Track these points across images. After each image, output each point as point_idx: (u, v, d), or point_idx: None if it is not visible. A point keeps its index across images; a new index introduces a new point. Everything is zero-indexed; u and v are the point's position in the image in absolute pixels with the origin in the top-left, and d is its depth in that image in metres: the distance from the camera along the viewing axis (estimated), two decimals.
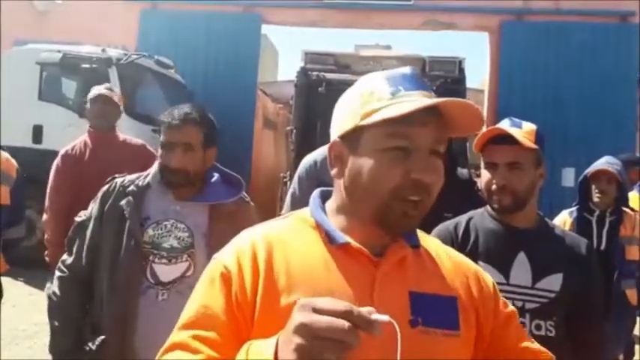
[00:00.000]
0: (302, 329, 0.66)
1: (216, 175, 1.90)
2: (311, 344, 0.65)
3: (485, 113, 9.47)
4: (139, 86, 7.04)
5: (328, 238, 0.90)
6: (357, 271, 0.88)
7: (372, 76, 0.93)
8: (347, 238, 0.89)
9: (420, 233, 0.99)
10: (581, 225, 3.09)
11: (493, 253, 1.63)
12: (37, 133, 6.59)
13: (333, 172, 0.94)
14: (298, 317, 0.67)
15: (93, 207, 1.87)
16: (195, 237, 1.79)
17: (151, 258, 1.76)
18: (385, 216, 0.87)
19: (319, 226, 0.93)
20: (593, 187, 3.08)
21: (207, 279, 0.90)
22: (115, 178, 1.88)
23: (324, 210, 0.96)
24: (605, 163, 3.10)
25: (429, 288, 0.91)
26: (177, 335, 0.86)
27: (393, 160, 0.85)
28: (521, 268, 1.59)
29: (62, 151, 3.35)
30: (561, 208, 3.42)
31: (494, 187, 1.61)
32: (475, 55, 9.76)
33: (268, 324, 0.81)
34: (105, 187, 1.86)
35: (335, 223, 0.93)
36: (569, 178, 8.04)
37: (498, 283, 1.57)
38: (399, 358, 0.71)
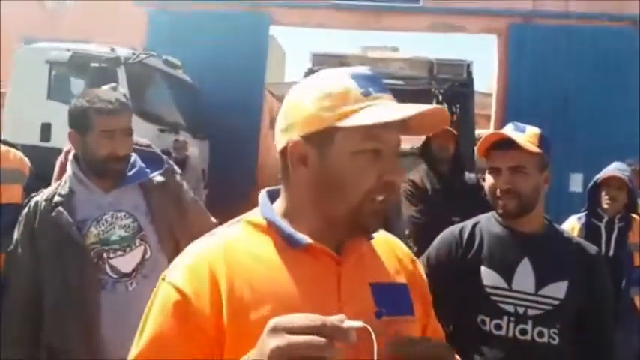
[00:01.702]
0: (277, 353, 0.65)
1: (134, 156, 1.86)
2: None
3: (492, 117, 9.43)
4: (147, 85, 7.07)
5: (286, 241, 0.87)
6: (321, 271, 0.87)
7: (335, 73, 0.90)
8: (309, 239, 0.86)
9: None
10: (590, 231, 3.07)
11: (496, 258, 1.62)
12: (46, 131, 6.63)
13: (295, 173, 0.89)
14: (272, 342, 0.65)
15: (17, 233, 1.79)
16: (139, 220, 1.78)
17: (105, 255, 1.73)
18: (357, 217, 0.87)
19: (273, 229, 0.89)
20: (603, 193, 3.06)
21: (159, 305, 0.83)
22: (31, 198, 1.82)
23: (274, 211, 0.93)
24: (615, 169, 3.08)
25: (384, 277, 0.94)
26: None
27: (366, 163, 0.85)
28: (524, 274, 1.58)
29: (66, 148, 3.37)
30: (569, 214, 3.40)
31: (498, 191, 1.60)
32: (483, 58, 9.74)
33: (241, 342, 0.77)
34: (25, 210, 1.79)
35: (291, 223, 0.90)
36: (576, 183, 7.98)
37: (500, 288, 1.58)
38: (375, 356, 0.72)
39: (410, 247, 3.48)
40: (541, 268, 1.58)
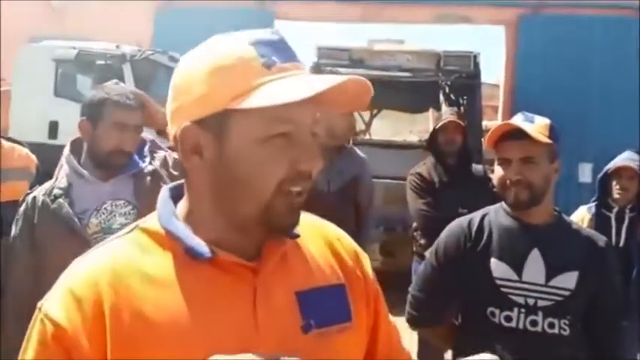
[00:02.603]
0: None
1: None
2: None
3: (500, 108, 9.37)
4: (153, 82, 7.07)
5: (188, 254, 0.72)
6: (233, 286, 0.72)
7: (232, 39, 0.73)
8: (214, 250, 0.71)
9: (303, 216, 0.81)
10: (600, 221, 3.04)
11: (506, 250, 1.60)
12: (53, 128, 6.67)
13: (189, 165, 0.74)
14: None
15: (15, 229, 1.78)
16: (139, 206, 1.79)
17: None
18: (270, 215, 0.72)
19: (173, 240, 0.73)
20: (614, 183, 3.03)
21: (35, 340, 0.70)
22: (27, 194, 1.82)
23: (176, 215, 0.77)
24: (627, 159, 3.04)
25: (314, 281, 0.78)
26: None
27: (276, 150, 0.70)
28: (534, 265, 1.56)
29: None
30: (578, 204, 3.37)
31: (508, 182, 1.58)
32: (490, 49, 9.65)
33: None
34: (22, 207, 1.79)
35: (194, 229, 0.74)
36: (586, 173, 7.94)
37: (511, 280, 1.57)
38: None
39: (417, 240, 3.47)
40: (551, 259, 1.57)
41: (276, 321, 0.73)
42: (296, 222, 0.75)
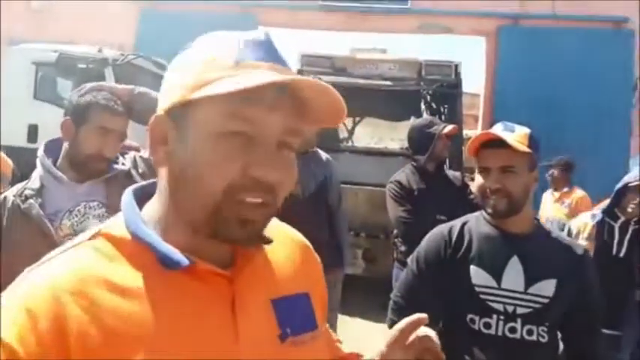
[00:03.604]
0: None
1: None
2: None
3: (480, 118, 9.50)
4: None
5: (160, 262, 0.66)
6: (210, 296, 0.68)
7: (217, 38, 0.70)
8: (190, 259, 0.66)
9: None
10: (603, 230, 3.07)
11: (485, 257, 1.62)
12: (32, 132, 6.57)
13: (155, 157, 0.70)
14: None
15: None
16: (111, 208, 1.77)
17: None
18: (216, 223, 0.66)
19: (142, 246, 0.67)
20: (630, 196, 3.05)
21: None
22: None
23: (143, 219, 0.71)
24: None
25: (285, 289, 0.76)
26: None
27: (229, 149, 0.65)
28: (513, 273, 1.59)
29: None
30: None
31: (488, 191, 1.61)
32: (471, 59, 9.79)
33: None
34: None
35: (162, 234, 0.69)
36: None
37: (490, 287, 1.59)
38: None
39: (397, 247, 3.47)
40: (530, 266, 1.59)
41: (255, 330, 0.69)
42: (250, 236, 0.68)
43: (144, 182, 0.78)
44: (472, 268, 1.61)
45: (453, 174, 3.42)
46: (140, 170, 1.91)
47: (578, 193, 5.37)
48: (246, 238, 0.68)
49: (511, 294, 1.58)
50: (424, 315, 0.87)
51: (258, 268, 0.74)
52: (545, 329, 1.57)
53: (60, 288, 0.62)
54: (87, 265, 0.66)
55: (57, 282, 0.63)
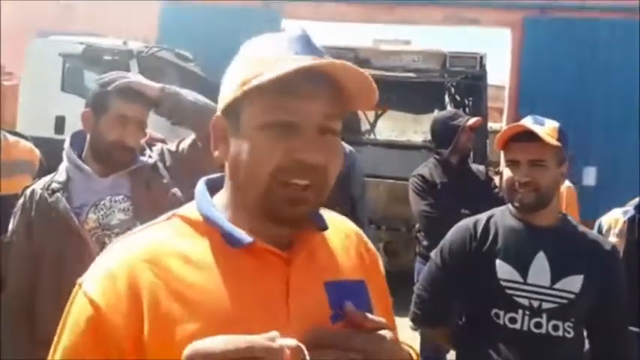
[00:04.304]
0: None
1: None
2: None
3: (505, 110, 9.36)
4: (160, 78, 7.06)
5: (226, 240, 0.75)
6: (267, 274, 0.74)
7: (262, 39, 0.78)
8: (250, 238, 0.73)
9: (324, 212, 0.84)
10: (634, 226, 3.02)
11: (511, 252, 1.61)
12: (60, 123, 6.69)
13: (218, 154, 0.79)
14: None
15: (12, 224, 1.77)
16: (135, 200, 1.77)
17: (106, 240, 1.70)
18: (268, 204, 0.73)
19: (211, 227, 0.76)
20: None
21: (73, 318, 0.73)
22: (26, 188, 1.80)
23: (214, 205, 0.80)
24: None
25: (340, 274, 0.81)
26: None
27: (273, 137, 0.72)
28: (539, 268, 1.57)
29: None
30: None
31: (516, 184, 1.59)
32: (496, 50, 9.65)
33: None
34: (21, 200, 1.78)
35: (229, 217, 0.77)
36: (590, 177, 7.92)
37: (515, 282, 1.57)
38: None
39: (420, 241, 3.45)
40: (557, 261, 1.57)
41: (307, 310, 0.74)
42: (298, 214, 0.74)
43: (215, 175, 0.85)
44: (498, 262, 1.60)
45: (477, 167, 3.38)
46: (167, 163, 1.90)
47: (565, 182, 5.28)
48: (295, 217, 0.74)
49: (537, 289, 1.56)
50: None
51: (314, 253, 0.80)
52: (571, 325, 1.56)
53: (137, 256, 0.73)
54: (161, 239, 0.76)
55: (135, 252, 0.74)
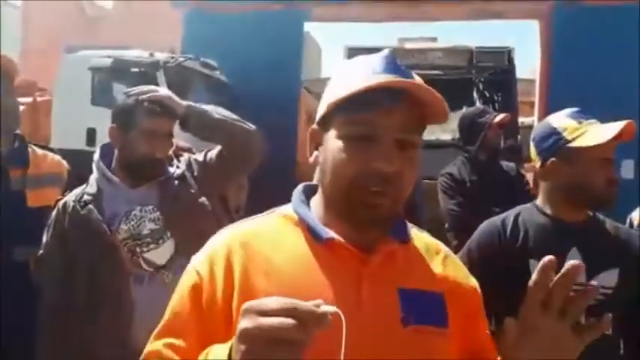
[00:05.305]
0: (245, 335, 0.63)
1: None
2: (258, 348, 0.62)
3: (537, 104, 9.16)
4: (186, 88, 7.19)
5: (312, 235, 0.86)
6: (342, 269, 0.83)
7: (354, 60, 0.88)
8: (331, 234, 0.84)
9: (413, 230, 0.94)
10: None
11: (544, 249, 1.54)
12: (91, 135, 6.86)
13: (313, 162, 0.91)
14: (242, 323, 0.64)
15: (46, 236, 1.81)
16: (165, 211, 1.79)
17: (138, 250, 1.74)
18: (347, 206, 0.83)
19: (302, 223, 0.88)
20: None
21: (180, 285, 0.88)
22: (58, 200, 1.84)
23: (308, 205, 0.91)
24: None
25: (416, 284, 0.86)
26: (152, 344, 0.86)
27: (353, 148, 0.81)
28: None
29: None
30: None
31: (607, 182, 1.57)
32: (524, 43, 9.47)
33: None
34: (54, 212, 1.82)
35: (320, 218, 0.88)
36: (628, 170, 7.67)
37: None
38: (343, 346, 0.68)
39: (449, 242, 3.40)
40: (591, 257, 1.52)
41: (377, 308, 0.81)
42: (372, 217, 0.82)
43: (311, 182, 0.96)
44: (531, 262, 1.56)
45: (507, 164, 3.31)
46: (195, 173, 1.92)
47: None
48: (371, 220, 0.83)
49: (573, 287, 1.50)
50: (551, 257, 0.78)
51: (393, 261, 0.86)
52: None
53: (235, 239, 0.87)
54: (257, 227, 0.90)
55: (234, 236, 0.88)
